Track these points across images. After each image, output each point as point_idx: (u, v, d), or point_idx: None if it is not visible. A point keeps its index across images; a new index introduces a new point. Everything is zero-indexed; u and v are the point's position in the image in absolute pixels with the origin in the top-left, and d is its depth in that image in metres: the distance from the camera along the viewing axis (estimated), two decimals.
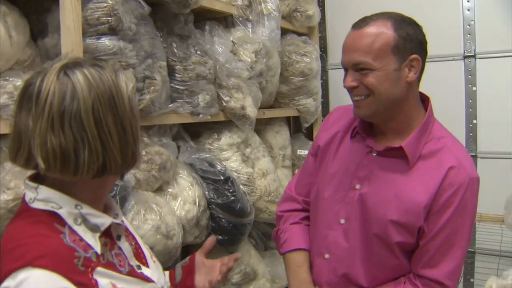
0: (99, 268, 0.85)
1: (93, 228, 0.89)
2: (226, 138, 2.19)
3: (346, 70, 1.25)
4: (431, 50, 2.60)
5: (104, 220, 0.91)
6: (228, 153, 2.19)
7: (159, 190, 1.86)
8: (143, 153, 1.72)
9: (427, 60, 2.61)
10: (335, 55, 2.99)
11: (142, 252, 1.04)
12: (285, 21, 2.55)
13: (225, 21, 2.27)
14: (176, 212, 1.80)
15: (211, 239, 1.29)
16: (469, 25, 2.50)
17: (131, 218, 1.58)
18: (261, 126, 2.60)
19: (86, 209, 0.88)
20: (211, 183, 1.97)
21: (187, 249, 2.10)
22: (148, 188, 1.77)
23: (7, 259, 0.78)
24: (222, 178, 1.98)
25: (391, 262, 1.24)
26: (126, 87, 0.89)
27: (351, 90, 1.23)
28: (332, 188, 1.33)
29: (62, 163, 0.81)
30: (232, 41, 2.19)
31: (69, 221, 0.86)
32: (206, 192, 1.96)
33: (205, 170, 1.98)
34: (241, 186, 2.09)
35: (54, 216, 0.86)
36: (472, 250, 2.23)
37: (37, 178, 0.90)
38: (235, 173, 2.15)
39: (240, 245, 2.14)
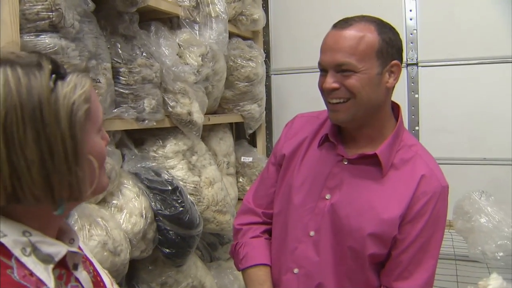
0: None
1: (45, 259, 0.73)
2: (172, 146, 2.08)
3: (322, 71, 1.20)
4: None
5: (59, 249, 0.75)
6: (173, 161, 2.08)
7: (103, 202, 1.71)
8: None
9: None
10: (278, 60, 2.97)
11: (102, 281, 0.90)
12: (230, 25, 2.47)
13: (170, 22, 2.16)
14: (123, 226, 1.67)
15: None
16: (411, 34, 2.58)
17: None
18: (205, 133, 2.50)
19: (36, 237, 0.73)
20: (158, 194, 1.85)
21: (133, 264, 1.97)
22: (91, 200, 1.62)
23: None
24: (169, 188, 1.87)
25: (364, 275, 1.21)
26: (71, 95, 0.70)
27: (329, 92, 1.18)
28: (299, 199, 1.27)
29: None
30: (178, 43, 2.08)
31: (16, 251, 0.70)
32: (153, 203, 1.84)
33: (151, 180, 1.86)
34: (188, 196, 1.99)
35: None
36: None
37: None
38: (181, 182, 2.04)
39: (188, 257, 2.03)
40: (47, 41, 1.42)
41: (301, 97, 2.87)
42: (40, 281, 0.70)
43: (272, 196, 1.37)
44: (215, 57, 2.22)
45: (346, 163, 1.24)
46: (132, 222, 1.71)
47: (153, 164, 1.93)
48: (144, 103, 1.84)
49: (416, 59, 2.56)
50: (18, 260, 0.70)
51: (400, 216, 1.17)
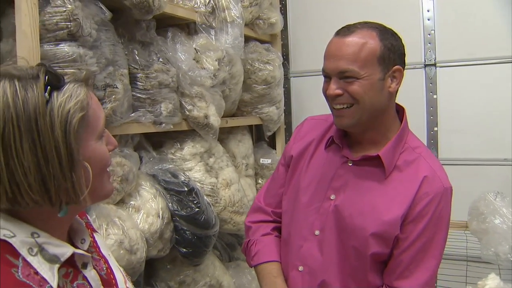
0: None
1: (52, 259, 0.77)
2: (189, 148, 2.14)
3: (326, 77, 1.23)
4: None
5: (65, 250, 0.80)
6: (191, 163, 2.13)
7: (121, 202, 1.78)
8: None
9: None
10: (297, 63, 3.00)
11: (114, 278, 0.95)
12: (247, 29, 2.52)
13: (187, 28, 2.22)
14: (139, 226, 1.73)
15: None
16: (429, 34, 2.57)
17: None
18: (223, 135, 2.56)
19: (44, 238, 0.78)
20: (174, 195, 1.91)
21: (152, 263, 2.03)
22: (109, 201, 1.69)
23: None
24: (186, 189, 1.92)
25: (367, 274, 1.23)
26: (66, 105, 0.75)
27: (333, 98, 1.21)
28: (306, 199, 1.31)
29: None
30: (195, 48, 2.14)
31: (23, 251, 0.75)
32: (170, 204, 1.90)
33: (168, 181, 1.92)
34: (205, 197, 2.04)
35: (6, 246, 0.74)
36: None
37: None
38: (198, 184, 2.10)
39: (205, 257, 2.09)
40: (66, 49, 1.49)
41: (320, 99, 2.87)
42: (43, 279, 0.75)
43: (281, 195, 1.41)
44: (231, 61, 2.27)
45: (351, 164, 1.27)
46: (149, 222, 1.77)
47: (170, 166, 1.99)
48: (161, 107, 1.90)
49: (434, 60, 2.54)
50: (24, 260, 0.74)
51: (402, 216, 1.18)
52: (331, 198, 1.27)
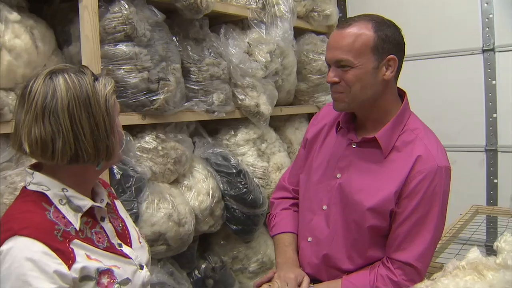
0: (76, 240, 1.01)
1: (76, 208, 1.04)
2: (243, 134, 2.33)
3: (329, 66, 1.35)
4: (450, 44, 2.64)
5: (86, 203, 1.06)
6: (244, 148, 2.32)
7: (176, 182, 2.02)
8: (159, 148, 1.88)
9: (447, 55, 2.64)
10: None
11: (128, 233, 1.20)
12: (302, 21, 2.65)
13: (242, 23, 2.40)
14: (190, 203, 1.95)
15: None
16: (487, 19, 2.51)
17: (145, 207, 1.74)
18: (280, 123, 2.72)
19: (70, 192, 1.04)
20: (224, 176, 2.11)
21: (207, 239, 2.26)
22: (164, 180, 1.93)
23: (2, 231, 0.96)
24: (234, 171, 2.12)
25: (368, 247, 1.33)
26: (104, 89, 1.03)
27: (331, 85, 1.33)
28: (317, 177, 1.43)
29: (41, 149, 0.98)
30: (248, 42, 2.31)
31: (55, 201, 1.02)
32: (220, 185, 2.10)
33: (219, 164, 2.13)
34: (254, 179, 2.22)
35: (43, 197, 1.02)
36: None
37: (36, 167, 1.08)
38: (251, 167, 2.29)
39: (255, 235, 2.27)
40: (123, 49, 1.74)
41: None
42: (69, 222, 1.02)
43: (299, 175, 1.55)
44: (283, 53, 2.41)
45: (354, 146, 1.37)
46: (199, 200, 1.99)
47: (221, 150, 2.19)
48: (213, 97, 2.11)
49: (493, 44, 2.48)
50: (55, 207, 1.02)
51: (395, 192, 1.27)
52: (337, 176, 1.38)
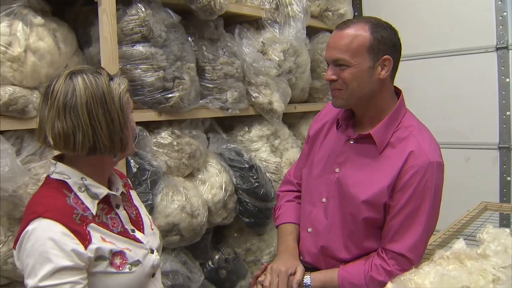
0: (92, 224, 1.12)
1: (93, 196, 1.16)
2: (256, 131, 2.42)
3: (328, 65, 1.42)
4: (464, 42, 2.65)
5: (102, 191, 1.18)
6: (257, 144, 2.41)
7: (191, 176, 2.12)
8: (174, 143, 1.98)
9: (461, 53, 2.65)
10: None
11: (141, 220, 1.30)
12: (317, 21, 2.71)
13: (257, 23, 2.48)
14: (203, 196, 2.05)
15: None
16: (501, 17, 2.52)
17: (160, 199, 1.85)
18: (295, 120, 2.80)
19: (89, 181, 1.16)
20: (237, 171, 2.20)
21: (221, 231, 2.36)
22: (179, 174, 2.03)
23: (28, 213, 1.10)
24: (247, 166, 2.20)
25: (363, 238, 1.40)
26: (119, 88, 1.14)
27: (330, 82, 1.40)
28: (317, 171, 1.51)
29: (64, 142, 1.09)
30: (262, 41, 2.40)
31: (75, 188, 1.14)
32: (234, 179, 2.19)
33: (232, 159, 2.22)
34: (267, 174, 2.30)
35: (64, 184, 1.14)
36: None
37: (58, 158, 1.19)
38: (264, 163, 2.37)
39: (268, 228, 2.35)
40: (140, 49, 1.84)
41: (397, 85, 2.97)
42: (87, 208, 1.14)
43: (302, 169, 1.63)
44: (296, 51, 2.48)
45: (352, 142, 1.44)
46: (212, 193, 2.08)
47: (234, 145, 2.28)
48: (227, 94, 2.20)
49: (507, 42, 2.49)
50: (75, 194, 1.14)
51: (388, 186, 1.33)
52: (336, 171, 1.45)
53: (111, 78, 1.16)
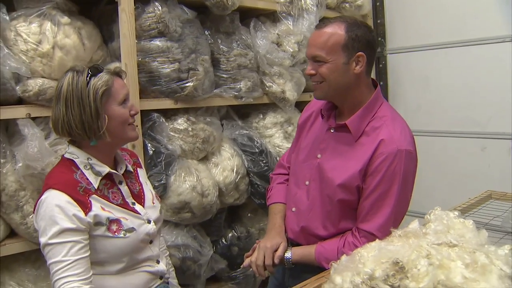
0: (94, 195, 1.35)
1: (97, 173, 1.39)
2: (270, 118, 2.58)
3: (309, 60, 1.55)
4: (480, 32, 2.69)
5: (104, 169, 1.41)
6: (271, 131, 2.57)
7: (205, 159, 2.31)
8: (189, 129, 2.17)
9: (477, 43, 2.69)
10: (394, 40, 3.17)
11: (143, 195, 1.52)
12: (334, 12, 2.81)
13: (273, 16, 2.61)
14: (216, 177, 2.24)
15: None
16: None
17: (173, 179, 2.05)
18: None
19: (93, 161, 1.40)
20: (249, 155, 2.38)
21: (236, 211, 2.54)
22: (193, 157, 2.23)
23: (44, 185, 1.34)
24: (257, 150, 2.37)
25: (339, 218, 1.53)
26: (94, 86, 1.34)
27: (310, 77, 1.54)
28: (302, 157, 1.66)
29: (54, 127, 1.38)
30: (277, 33, 2.53)
31: (81, 166, 1.39)
32: (246, 163, 2.37)
33: (244, 144, 2.39)
34: (277, 158, 2.46)
35: (73, 163, 1.39)
36: None
37: (72, 142, 1.42)
38: (277, 148, 2.53)
39: None
40: (157, 43, 2.04)
41: (414, 75, 3.04)
42: (90, 182, 1.37)
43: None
44: None
45: (332, 131, 1.57)
46: (224, 175, 2.26)
47: (247, 131, 2.44)
48: (241, 84, 2.36)
49: None
50: (81, 171, 1.37)
51: (360, 171, 1.46)
52: (318, 156, 1.59)
53: (93, 75, 1.36)
